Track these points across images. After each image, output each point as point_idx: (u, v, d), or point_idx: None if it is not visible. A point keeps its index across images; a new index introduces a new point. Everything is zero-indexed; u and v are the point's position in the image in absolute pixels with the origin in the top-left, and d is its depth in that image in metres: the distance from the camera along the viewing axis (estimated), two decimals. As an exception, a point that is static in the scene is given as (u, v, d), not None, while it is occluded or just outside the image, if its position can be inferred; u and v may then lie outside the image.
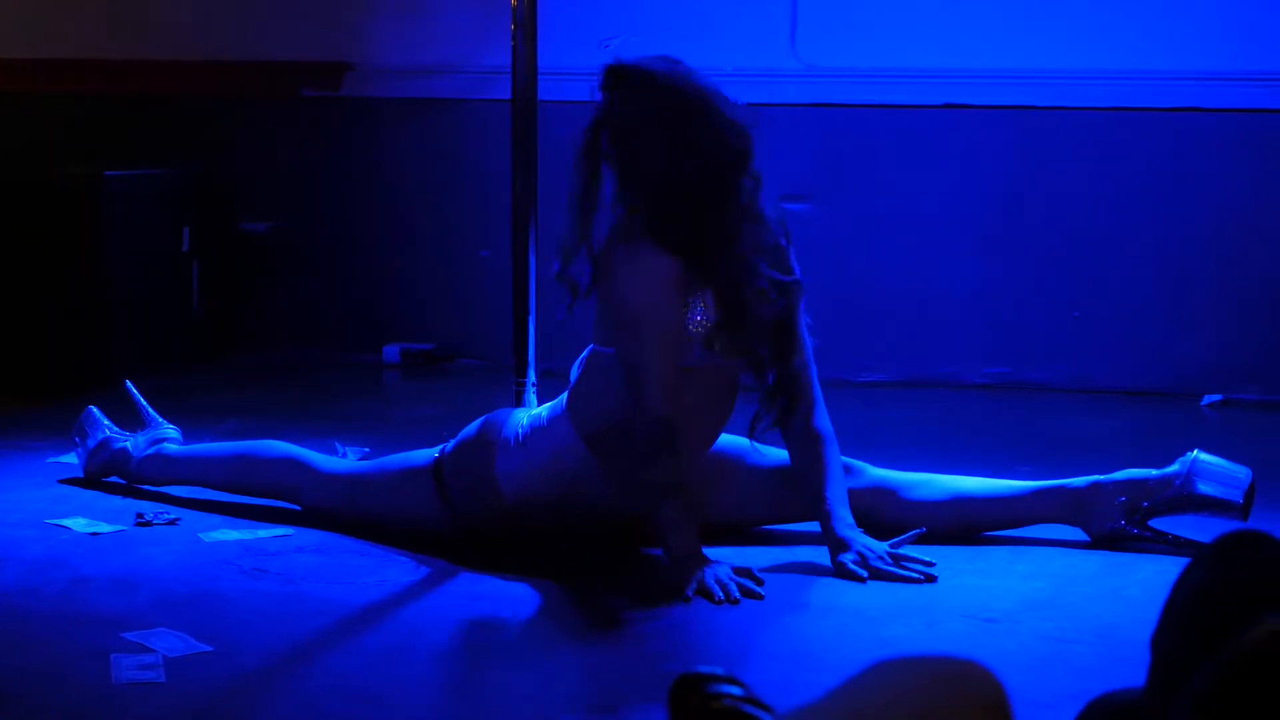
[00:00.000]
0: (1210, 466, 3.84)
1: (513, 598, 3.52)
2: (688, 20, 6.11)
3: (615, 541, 3.83)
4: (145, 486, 4.31)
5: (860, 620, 3.38)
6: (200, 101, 6.47)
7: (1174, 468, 3.86)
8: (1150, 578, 3.62)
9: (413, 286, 6.33)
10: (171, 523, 4.04)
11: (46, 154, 6.39)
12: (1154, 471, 3.87)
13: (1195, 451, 3.87)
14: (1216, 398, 5.64)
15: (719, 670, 1.91)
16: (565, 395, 3.69)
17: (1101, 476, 3.89)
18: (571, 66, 6.01)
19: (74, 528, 3.99)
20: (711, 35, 6.08)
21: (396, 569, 3.69)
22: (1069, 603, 3.50)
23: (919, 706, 1.57)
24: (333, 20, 6.36)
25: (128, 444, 4.32)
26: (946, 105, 5.95)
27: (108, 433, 4.36)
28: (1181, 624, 1.78)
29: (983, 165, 5.93)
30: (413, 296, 6.33)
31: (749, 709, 1.84)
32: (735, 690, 1.88)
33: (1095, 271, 5.85)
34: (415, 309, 6.33)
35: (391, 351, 6.22)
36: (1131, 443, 5.09)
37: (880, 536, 3.70)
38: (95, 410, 4.40)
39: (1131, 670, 2.33)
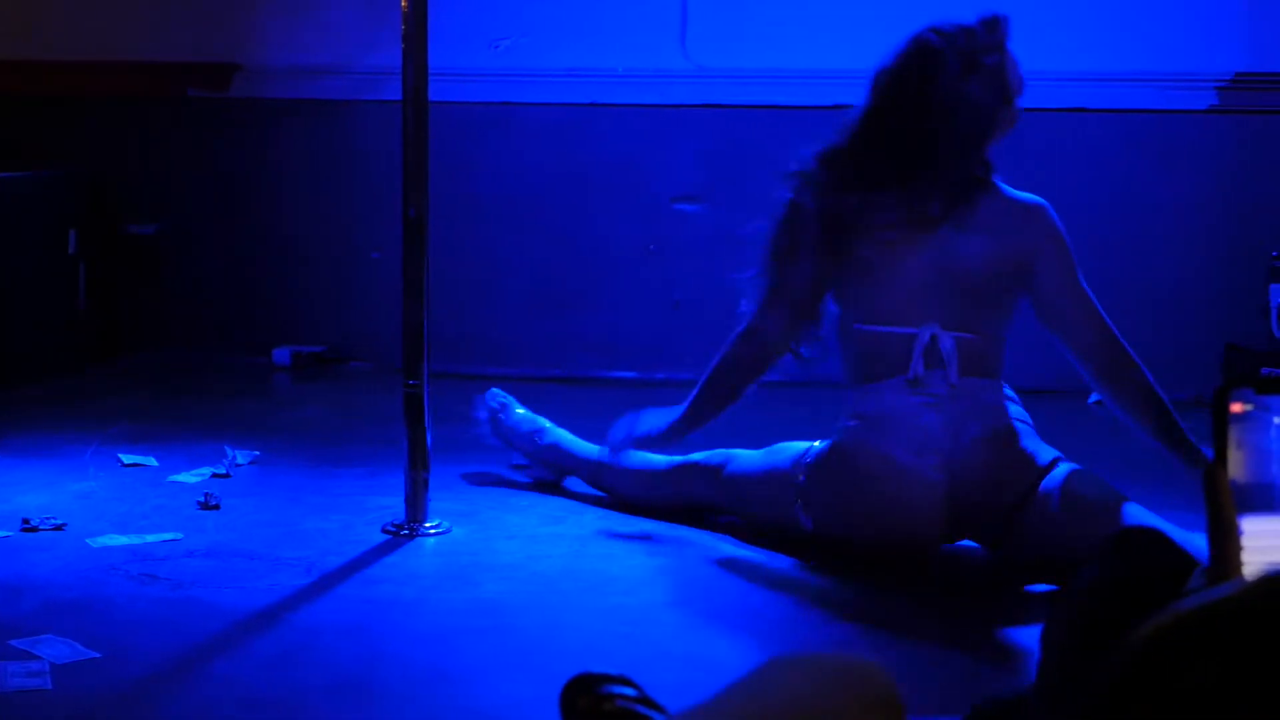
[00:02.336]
0: None
1: (405, 602, 3.50)
2: (579, 21, 6.11)
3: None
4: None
5: (751, 621, 3.39)
6: (87, 103, 6.41)
7: None
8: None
9: (303, 289, 6.29)
10: (58, 528, 3.99)
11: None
12: None
13: None
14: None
15: (611, 671, 1.90)
16: None
17: None
18: (462, 68, 6.02)
19: None
20: (602, 36, 6.08)
21: (287, 573, 3.66)
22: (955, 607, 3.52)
23: (815, 704, 1.57)
24: (221, 21, 6.31)
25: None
26: (836, 106, 5.96)
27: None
28: (1074, 621, 1.79)
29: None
30: (303, 299, 6.29)
31: (642, 710, 1.83)
32: (628, 691, 1.87)
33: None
34: (306, 311, 6.29)
35: (282, 354, 6.19)
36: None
37: None
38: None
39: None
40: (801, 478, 3.83)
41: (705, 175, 6.09)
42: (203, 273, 6.38)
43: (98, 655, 3.12)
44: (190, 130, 6.39)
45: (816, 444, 3.86)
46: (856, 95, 5.95)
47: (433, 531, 3.98)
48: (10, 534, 3.94)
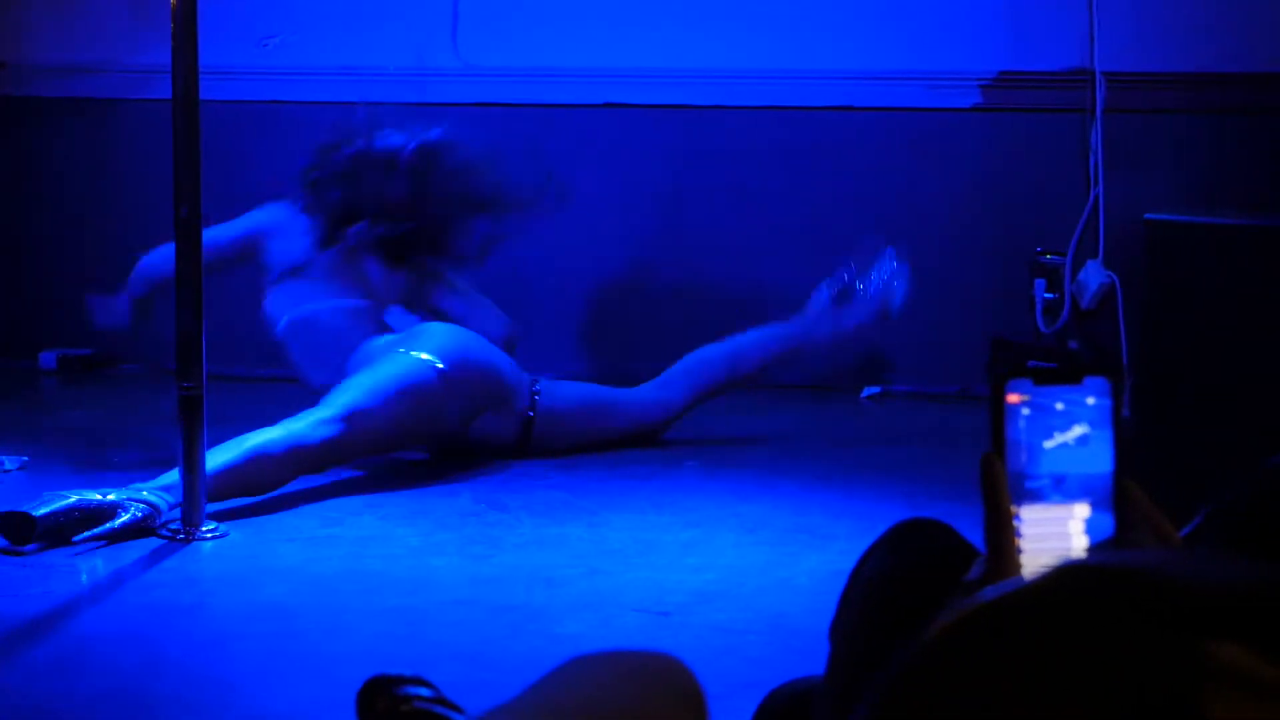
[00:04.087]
0: None
1: (183, 608, 3.46)
2: (349, 19, 6.07)
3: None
4: None
5: (533, 618, 3.40)
6: None
7: None
8: (817, 567, 3.70)
9: (72, 290, 6.17)
10: None
11: None
12: None
13: None
14: (875, 390, 5.77)
15: (406, 672, 1.90)
16: None
17: None
18: (232, 65, 5.96)
19: None
20: (373, 34, 6.05)
21: (60, 579, 3.60)
22: (740, 594, 3.56)
23: (618, 701, 1.58)
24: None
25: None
26: (606, 104, 6.00)
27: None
28: (862, 611, 1.82)
29: (643, 164, 5.99)
30: (71, 300, 6.18)
31: (440, 710, 1.83)
32: (425, 691, 1.87)
33: (751, 269, 5.94)
34: (74, 313, 6.17)
35: (48, 357, 6.07)
36: (791, 434, 5.19)
37: None
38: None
39: (805, 659, 2.38)
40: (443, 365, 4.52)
41: (477, 174, 6.08)
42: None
43: None
44: (-50, 129, 6.25)
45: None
46: (626, 93, 6.02)
47: (210, 535, 3.93)
48: None
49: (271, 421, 4.36)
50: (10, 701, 2.93)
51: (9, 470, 4.51)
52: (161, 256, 4.80)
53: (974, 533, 2.08)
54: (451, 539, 3.98)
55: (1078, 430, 1.41)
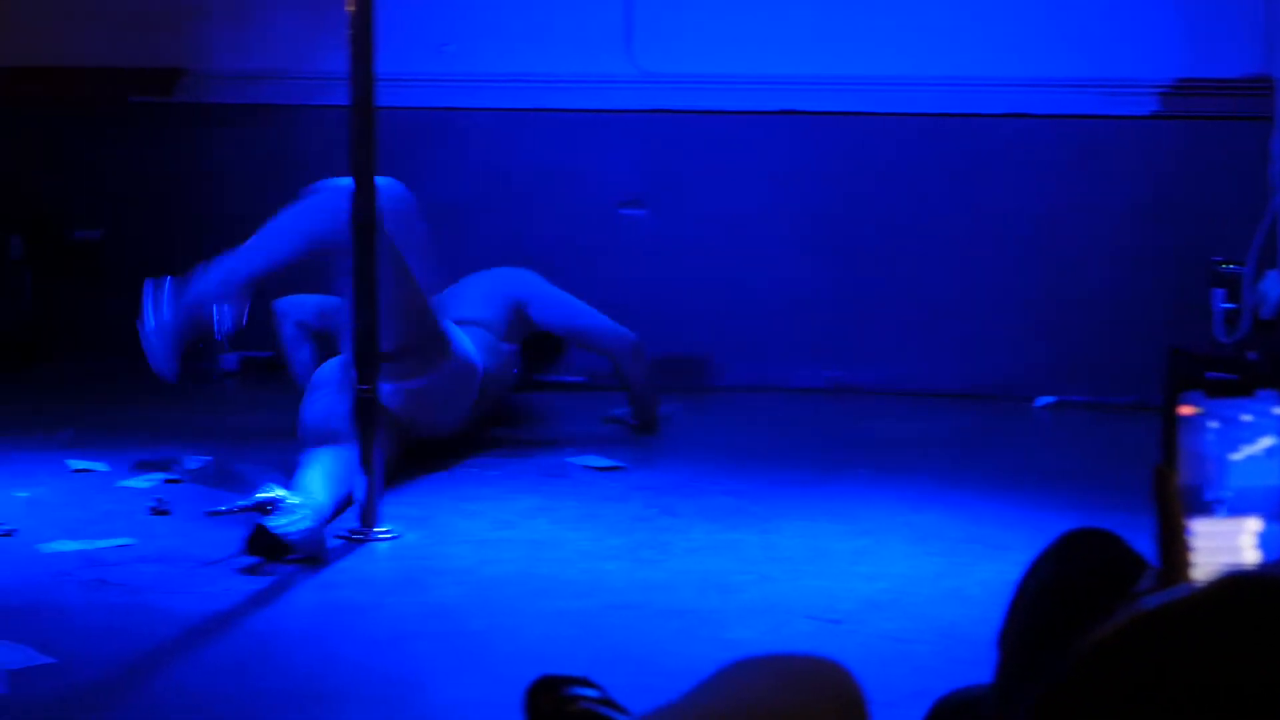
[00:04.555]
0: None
1: (359, 607, 3.51)
2: (524, 26, 6.12)
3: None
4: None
5: (704, 623, 3.41)
6: (31, 109, 6.38)
7: None
8: (990, 577, 3.68)
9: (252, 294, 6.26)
10: (7, 534, 3.98)
11: None
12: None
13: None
14: (1050, 400, 5.72)
15: (573, 674, 1.92)
16: None
17: None
18: (408, 73, 6.02)
19: None
20: (548, 41, 6.09)
21: (240, 578, 3.67)
22: (911, 603, 3.55)
23: (780, 705, 1.58)
24: (166, 26, 6.30)
25: None
26: (780, 111, 6.00)
27: None
28: (1029, 620, 1.81)
29: (815, 170, 5.98)
30: (251, 303, 6.27)
31: (605, 711, 1.85)
32: (591, 693, 1.88)
33: (925, 276, 5.92)
34: (252, 316, 6.27)
35: (230, 359, 6.16)
36: (964, 443, 5.17)
37: None
38: None
39: (973, 668, 2.37)
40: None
41: (650, 181, 6.11)
42: (148, 277, 6.35)
43: (52, 661, 3.12)
44: (134, 135, 6.37)
45: None
46: (799, 100, 6.01)
47: (385, 536, 3.98)
48: (-40, 541, 3.94)
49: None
50: (191, 698, 2.99)
51: (190, 470, 4.60)
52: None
53: (1146, 544, 2.07)
54: (622, 544, 4.00)
55: (1264, 443, 1.39)
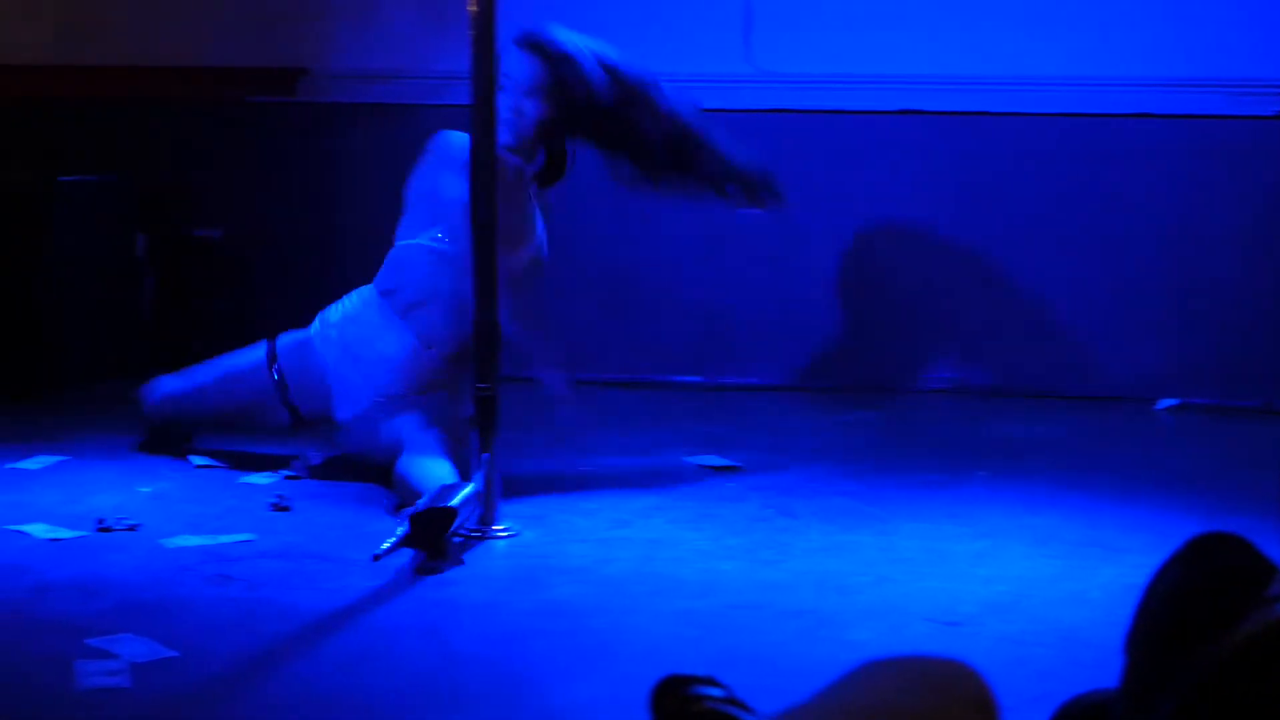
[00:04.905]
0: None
1: (477, 604, 3.52)
2: (642, 25, 6.12)
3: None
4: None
5: (822, 624, 3.39)
6: (153, 107, 6.45)
7: None
8: (1110, 580, 3.65)
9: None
10: (132, 529, 4.02)
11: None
12: None
13: None
14: (1173, 402, 5.67)
15: (699, 673, 1.91)
16: None
17: None
18: (529, 72, 6.03)
19: (34, 534, 3.97)
20: (666, 40, 6.09)
21: (359, 574, 3.68)
22: (1031, 606, 3.52)
23: (912, 706, 1.57)
24: (287, 26, 6.35)
25: None
26: (901, 111, 5.97)
27: None
28: (1157, 625, 1.79)
29: (936, 170, 5.95)
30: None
31: (731, 710, 1.84)
32: (716, 692, 1.88)
33: (1046, 276, 5.88)
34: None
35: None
36: (1084, 445, 5.13)
37: None
38: None
39: (1095, 672, 2.35)
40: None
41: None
42: (267, 277, 6.41)
43: (174, 654, 3.15)
44: (255, 134, 6.42)
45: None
46: (921, 100, 5.98)
47: (503, 534, 4.00)
48: (86, 534, 3.98)
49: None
50: (310, 692, 3.00)
51: (312, 465, 4.63)
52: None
53: (1276, 549, 2.04)
54: (740, 544, 4.00)
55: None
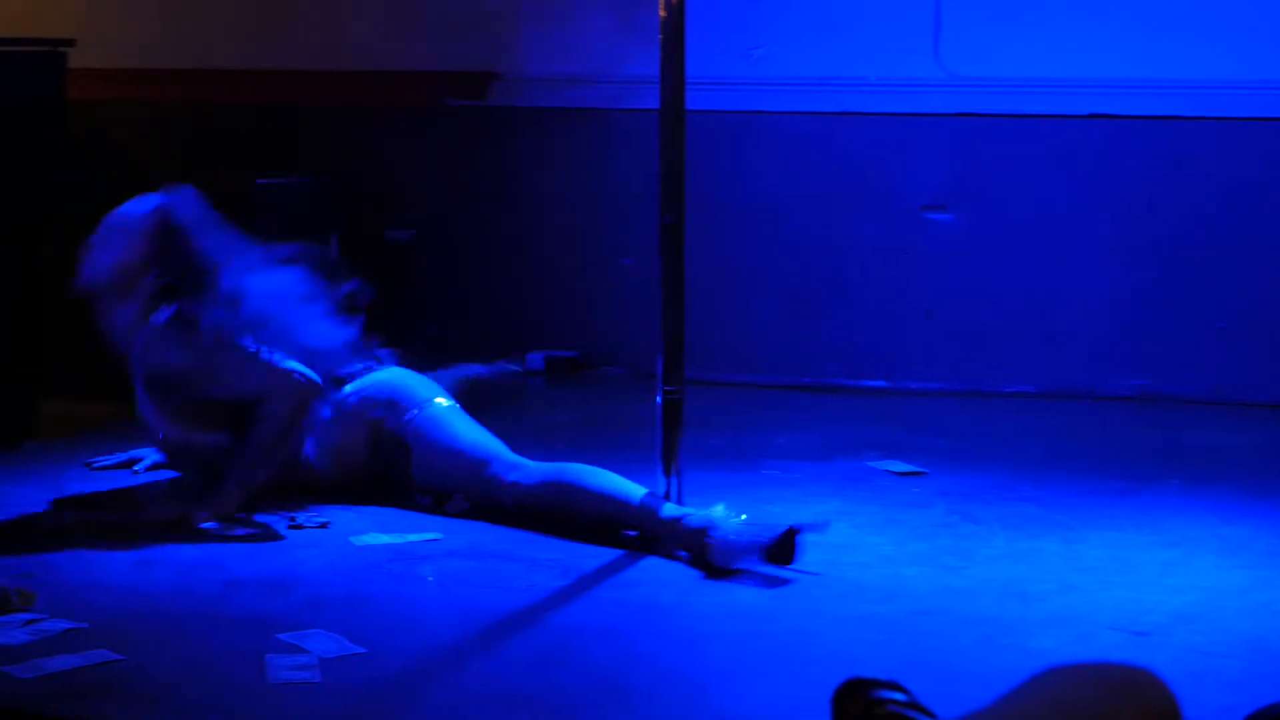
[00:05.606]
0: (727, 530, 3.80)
1: (660, 606, 3.54)
2: (832, 30, 6.11)
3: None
4: None
5: (1006, 631, 3.37)
6: (347, 111, 6.54)
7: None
8: (1302, 592, 3.60)
9: (557, 294, 6.36)
10: (322, 526, 4.09)
11: (200, 162, 6.48)
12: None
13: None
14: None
15: (881, 676, 1.92)
16: None
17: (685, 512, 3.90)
18: (717, 76, 6.06)
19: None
20: (855, 45, 6.08)
21: (545, 574, 3.72)
22: (1219, 616, 3.48)
23: (1093, 712, 1.56)
24: (479, 30, 6.41)
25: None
26: (1091, 115, 5.91)
27: None
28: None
29: (1126, 175, 5.89)
30: (556, 304, 6.36)
31: (914, 715, 1.84)
32: (899, 696, 1.88)
33: (1239, 282, 5.79)
34: (559, 316, 6.36)
35: (535, 358, 6.25)
36: (1277, 453, 5.05)
37: None
38: None
39: (1285, 684, 2.33)
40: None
41: (955, 185, 6.06)
42: (457, 278, 6.48)
43: (362, 651, 3.20)
44: (447, 138, 6.49)
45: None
46: (1112, 104, 5.91)
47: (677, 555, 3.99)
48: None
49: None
50: (494, 690, 3.04)
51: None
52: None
53: None
54: (924, 549, 3.98)
55: None
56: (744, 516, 3.84)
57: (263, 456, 4.18)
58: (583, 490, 4.04)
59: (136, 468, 4.15)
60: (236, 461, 4.17)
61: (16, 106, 5.59)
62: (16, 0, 6.66)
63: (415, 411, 4.34)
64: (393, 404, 4.36)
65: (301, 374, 4.22)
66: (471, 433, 4.31)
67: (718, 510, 3.86)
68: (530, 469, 4.18)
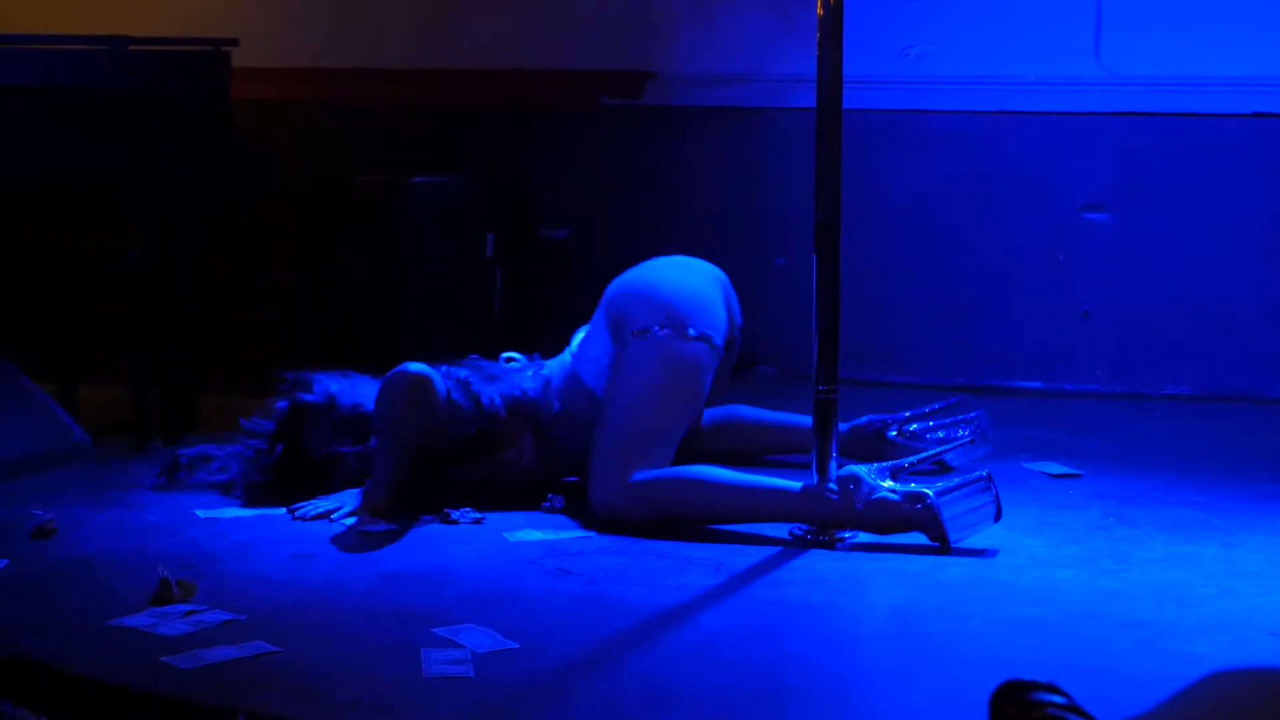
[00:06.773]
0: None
1: (812, 606, 3.53)
2: (991, 29, 6.08)
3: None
4: None
5: (1163, 636, 3.34)
6: (503, 110, 6.58)
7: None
8: None
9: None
10: (477, 522, 4.12)
11: (356, 160, 6.55)
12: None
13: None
14: None
15: (1040, 679, 1.90)
16: None
17: None
18: (874, 75, 6.04)
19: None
20: (1015, 43, 6.04)
21: (697, 572, 3.73)
22: (1384, 624, 3.42)
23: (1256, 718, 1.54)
24: (635, 30, 6.43)
25: None
26: (1253, 114, 5.83)
27: None
28: None
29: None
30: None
31: (1073, 718, 1.82)
32: (1057, 699, 1.86)
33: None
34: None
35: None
36: None
37: None
38: None
39: None
40: None
41: (1115, 184, 6.00)
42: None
43: (516, 646, 3.22)
44: (603, 137, 6.52)
45: None
46: (1273, 102, 5.83)
47: (839, 537, 4.00)
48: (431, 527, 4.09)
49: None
50: (646, 687, 3.05)
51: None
52: None
53: None
54: (1079, 552, 3.95)
55: None
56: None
57: (382, 449, 4.21)
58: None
59: (334, 516, 4.18)
60: (374, 461, 4.22)
61: (181, 106, 5.68)
62: (189, 2, 6.77)
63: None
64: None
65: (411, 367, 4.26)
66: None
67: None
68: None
